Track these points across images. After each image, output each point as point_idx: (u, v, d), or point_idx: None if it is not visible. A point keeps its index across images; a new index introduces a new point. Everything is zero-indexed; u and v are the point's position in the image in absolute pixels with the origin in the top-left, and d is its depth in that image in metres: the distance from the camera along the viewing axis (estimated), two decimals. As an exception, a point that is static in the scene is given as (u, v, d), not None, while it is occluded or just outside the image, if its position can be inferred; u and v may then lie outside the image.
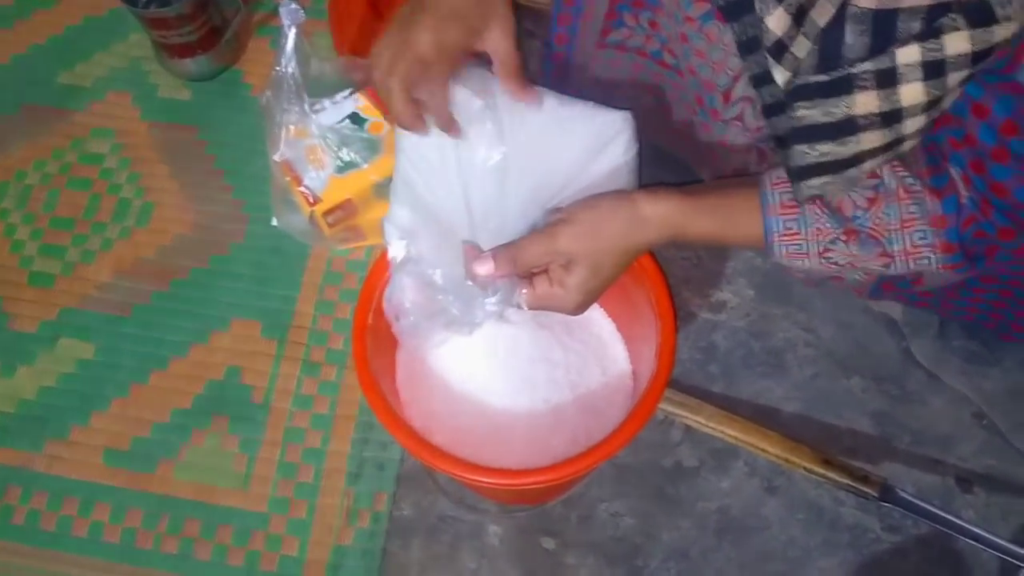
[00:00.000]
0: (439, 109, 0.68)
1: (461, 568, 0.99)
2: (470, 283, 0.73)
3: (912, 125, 0.61)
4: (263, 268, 1.15)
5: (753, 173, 0.80)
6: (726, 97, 0.76)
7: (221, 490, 1.03)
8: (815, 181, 0.66)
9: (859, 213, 0.66)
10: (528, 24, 1.28)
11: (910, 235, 0.65)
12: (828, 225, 0.67)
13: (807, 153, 0.65)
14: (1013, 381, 1.03)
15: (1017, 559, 0.88)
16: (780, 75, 0.64)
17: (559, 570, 0.99)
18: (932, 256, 0.66)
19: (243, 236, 1.18)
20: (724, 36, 0.71)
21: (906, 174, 0.64)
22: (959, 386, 1.04)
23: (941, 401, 1.04)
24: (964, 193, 0.63)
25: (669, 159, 1.12)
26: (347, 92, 1.10)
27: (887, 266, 0.67)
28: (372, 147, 1.06)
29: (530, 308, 0.74)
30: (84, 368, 1.10)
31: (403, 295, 0.77)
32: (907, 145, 0.62)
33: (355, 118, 1.08)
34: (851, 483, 0.93)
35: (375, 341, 0.86)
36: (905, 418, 1.04)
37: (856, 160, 0.64)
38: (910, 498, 0.92)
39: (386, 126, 1.08)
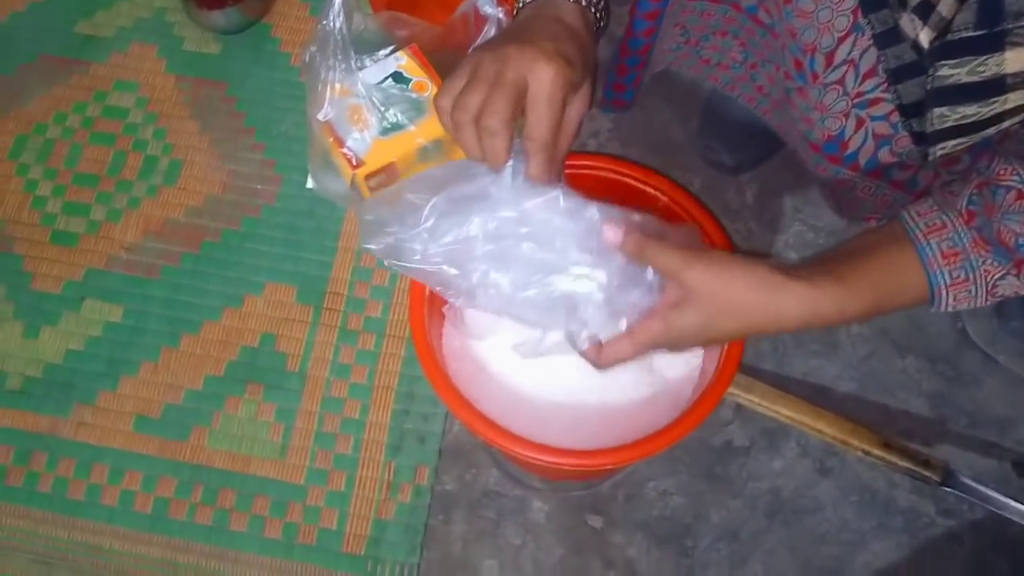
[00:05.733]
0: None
1: (505, 544, 0.97)
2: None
3: None
4: (297, 232, 1.11)
5: (848, 140, 0.76)
6: (828, 60, 0.71)
7: (257, 460, 1.00)
8: (949, 143, 0.62)
9: (1022, 240, 0.60)
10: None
11: None
12: (996, 263, 0.61)
13: (946, 116, 0.61)
14: (1072, 364, 1.00)
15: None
16: (926, 35, 0.60)
17: (606, 549, 0.96)
18: None
19: (275, 198, 1.13)
20: None
21: None
22: (1016, 368, 1.02)
23: (997, 383, 1.02)
24: None
25: (742, 138, 1.09)
26: (389, 49, 1.05)
27: None
28: (418, 108, 1.01)
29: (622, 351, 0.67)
30: (112, 331, 1.06)
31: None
32: None
33: (398, 77, 1.03)
34: (912, 467, 0.90)
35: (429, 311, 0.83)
36: (961, 400, 1.02)
37: (996, 120, 0.60)
38: (972, 483, 0.90)
39: (430, 86, 1.03)
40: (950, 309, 0.64)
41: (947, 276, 0.62)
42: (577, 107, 0.65)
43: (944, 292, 0.62)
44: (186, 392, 1.03)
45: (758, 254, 1.09)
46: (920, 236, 0.63)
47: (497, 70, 0.62)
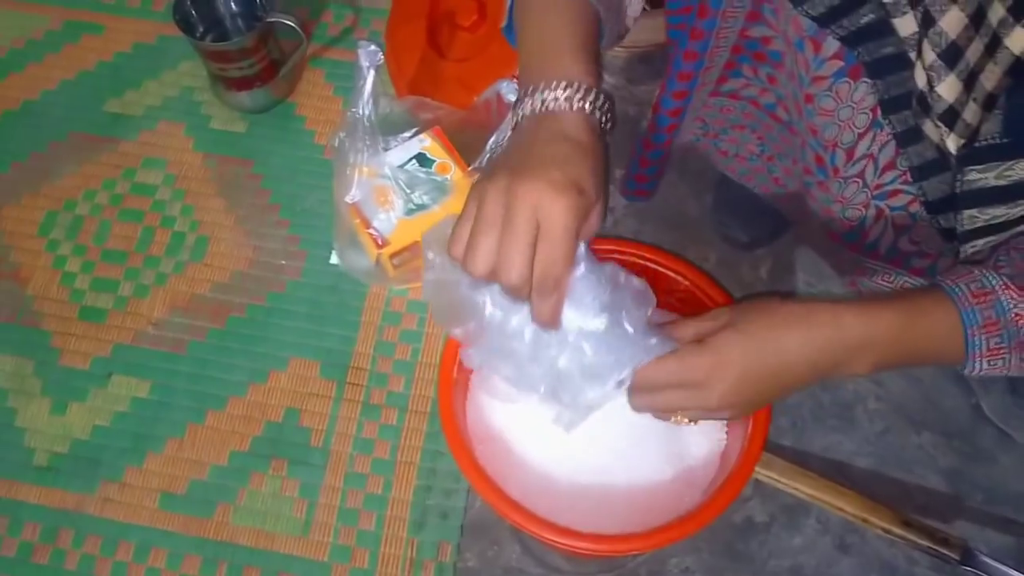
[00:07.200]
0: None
1: (528, 622, 0.97)
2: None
3: None
4: (320, 307, 1.13)
5: (868, 230, 0.78)
6: (849, 155, 0.74)
7: (281, 536, 1.01)
8: (979, 242, 0.64)
9: None
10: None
11: None
12: None
13: (976, 217, 0.63)
14: (1087, 440, 1.02)
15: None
16: (953, 142, 0.61)
17: (629, 627, 0.97)
18: None
19: (299, 273, 1.16)
20: (854, 94, 0.70)
21: None
22: (1031, 444, 1.03)
23: (1012, 459, 1.03)
24: None
25: (756, 214, 1.12)
26: (412, 131, 1.09)
27: None
28: (441, 188, 1.05)
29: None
30: (139, 407, 1.08)
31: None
32: None
33: (422, 159, 1.06)
34: (932, 546, 0.91)
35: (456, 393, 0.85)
36: (977, 476, 1.03)
37: None
38: (992, 562, 0.90)
39: (453, 167, 1.06)
40: (984, 364, 0.63)
41: (978, 316, 0.61)
42: (587, 232, 0.61)
43: (977, 334, 0.62)
44: (211, 468, 1.04)
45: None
46: (947, 281, 0.63)
47: (504, 209, 0.57)
